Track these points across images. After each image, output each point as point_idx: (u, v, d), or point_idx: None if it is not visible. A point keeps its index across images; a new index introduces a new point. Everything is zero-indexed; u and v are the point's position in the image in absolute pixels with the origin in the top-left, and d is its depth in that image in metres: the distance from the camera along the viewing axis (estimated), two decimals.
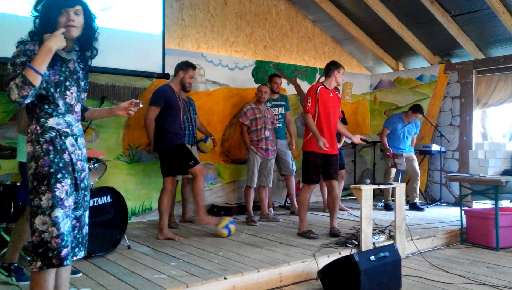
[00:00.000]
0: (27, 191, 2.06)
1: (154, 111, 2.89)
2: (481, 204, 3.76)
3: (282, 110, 4.12)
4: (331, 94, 3.15)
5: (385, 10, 4.57)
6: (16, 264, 2.15)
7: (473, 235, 3.35)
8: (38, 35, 1.48)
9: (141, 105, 1.63)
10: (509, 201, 3.83)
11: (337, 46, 5.39)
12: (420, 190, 4.91)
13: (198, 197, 2.97)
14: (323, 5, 4.76)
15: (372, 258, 2.25)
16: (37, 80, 1.39)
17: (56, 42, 1.43)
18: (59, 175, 1.45)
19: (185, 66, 2.99)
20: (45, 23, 1.48)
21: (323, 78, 5.01)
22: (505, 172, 3.40)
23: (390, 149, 4.36)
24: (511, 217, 3.28)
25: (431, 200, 4.84)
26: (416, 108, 4.37)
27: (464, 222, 3.42)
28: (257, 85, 4.00)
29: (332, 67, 3.16)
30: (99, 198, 2.60)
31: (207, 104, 4.17)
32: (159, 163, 3.05)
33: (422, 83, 5.12)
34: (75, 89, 1.55)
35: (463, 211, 3.45)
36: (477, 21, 4.29)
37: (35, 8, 1.51)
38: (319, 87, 3.10)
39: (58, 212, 1.43)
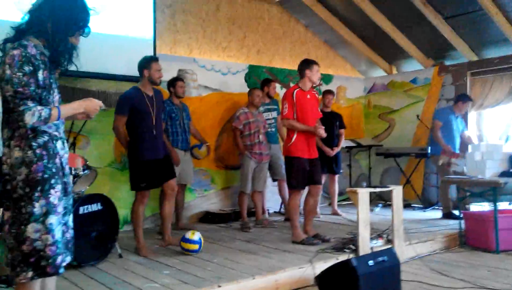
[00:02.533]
0: None
1: (120, 120, 2.67)
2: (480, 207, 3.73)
3: (274, 114, 4.09)
4: (308, 96, 3.03)
5: (378, 13, 4.59)
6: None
7: (473, 238, 3.30)
8: (32, 33, 1.43)
9: (103, 107, 1.57)
10: (508, 203, 3.79)
11: (330, 50, 5.40)
12: (417, 193, 4.89)
13: (166, 221, 2.86)
14: (315, 9, 4.77)
15: (371, 262, 2.19)
16: (51, 122, 1.43)
17: (90, 112, 1.50)
18: (53, 181, 1.42)
19: (145, 62, 2.69)
20: (57, 30, 1.44)
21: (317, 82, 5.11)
22: (503, 174, 3.35)
23: (450, 146, 3.81)
24: (510, 219, 3.23)
25: (428, 203, 4.80)
26: (465, 97, 4.00)
27: (463, 225, 3.37)
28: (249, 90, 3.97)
29: (303, 66, 3.00)
30: (90, 206, 2.52)
31: (200, 110, 4.12)
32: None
33: (416, 86, 5.13)
34: (57, 91, 1.52)
35: (461, 214, 3.40)
36: (471, 23, 4.31)
37: (40, 5, 1.45)
38: (295, 90, 2.99)
39: (52, 219, 1.40)
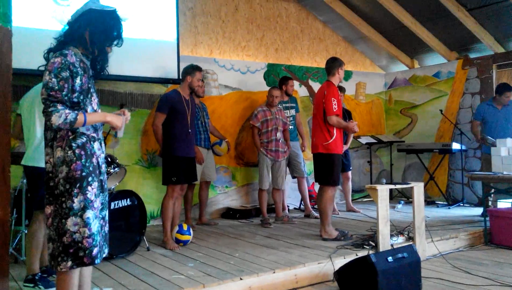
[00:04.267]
0: (37, 196, 2.14)
1: (160, 118, 2.89)
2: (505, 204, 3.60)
3: (293, 112, 4.13)
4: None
5: (398, 7, 4.50)
6: (39, 274, 2.19)
7: (498, 235, 3.21)
8: (71, 44, 1.56)
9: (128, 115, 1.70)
10: None
11: (349, 46, 5.34)
12: (440, 190, 4.77)
13: (176, 218, 2.95)
14: (333, 5, 4.74)
15: (390, 259, 2.20)
16: (77, 127, 1.53)
17: (116, 122, 1.62)
18: (90, 179, 1.53)
19: (191, 70, 2.95)
20: (94, 41, 1.57)
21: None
22: None
23: (484, 135, 3.68)
24: None
25: (453, 200, 4.68)
26: (502, 88, 3.79)
27: (488, 223, 3.29)
28: (269, 88, 4.03)
29: (334, 64, 3.02)
30: (120, 201, 2.68)
31: (220, 108, 4.24)
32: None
33: (439, 80, 4.98)
34: (96, 95, 1.65)
35: (486, 211, 3.32)
36: (495, 14, 4.14)
37: (78, 18, 1.58)
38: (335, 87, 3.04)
39: (89, 213, 1.50)
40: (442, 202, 4.73)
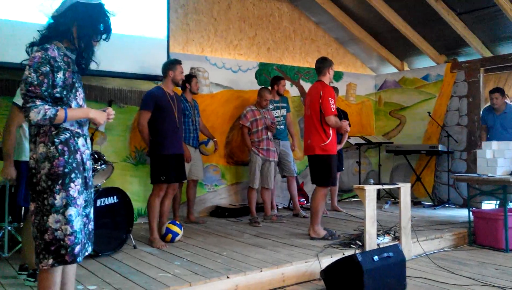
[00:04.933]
0: (25, 191, 2.11)
1: (145, 116, 2.83)
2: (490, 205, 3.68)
3: (284, 111, 4.14)
4: None
5: (389, 9, 4.56)
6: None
7: (482, 236, 3.28)
8: (56, 38, 1.52)
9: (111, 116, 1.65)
10: None
11: (340, 47, 5.38)
12: (427, 191, 4.86)
13: (165, 216, 2.93)
14: (325, 6, 4.77)
15: (376, 258, 2.23)
16: (57, 123, 1.49)
17: (99, 119, 1.58)
18: (73, 175, 1.50)
19: (171, 64, 2.91)
20: (81, 35, 1.53)
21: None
22: None
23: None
24: None
25: (438, 201, 4.76)
26: (491, 91, 3.91)
27: (472, 223, 3.36)
28: (260, 87, 4.03)
29: (325, 65, 3.01)
30: (106, 198, 2.65)
31: (210, 107, 4.22)
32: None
33: (428, 83, 5.07)
34: (82, 89, 1.62)
35: (471, 212, 3.39)
36: (484, 19, 4.23)
37: (64, 12, 1.54)
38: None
39: (72, 211, 1.48)
40: (428, 203, 4.82)
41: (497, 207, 3.77)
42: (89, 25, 1.55)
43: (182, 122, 3.51)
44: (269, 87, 4.04)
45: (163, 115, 2.84)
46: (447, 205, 4.61)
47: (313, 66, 4.87)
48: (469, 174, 3.76)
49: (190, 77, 3.62)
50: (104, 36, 1.61)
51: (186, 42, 4.21)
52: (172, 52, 3.85)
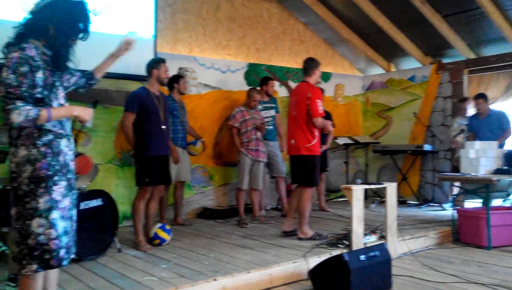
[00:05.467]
0: None
1: (129, 117, 2.77)
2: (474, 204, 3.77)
3: (272, 112, 4.14)
4: None
5: (376, 11, 4.61)
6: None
7: (465, 234, 3.35)
8: (32, 36, 1.47)
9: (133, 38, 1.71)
10: (502, 200, 3.84)
11: (329, 48, 5.42)
12: (412, 190, 4.94)
13: (151, 219, 2.89)
14: (314, 7, 4.80)
15: (362, 257, 2.25)
16: (41, 124, 1.45)
17: (84, 116, 1.55)
18: (56, 178, 1.47)
19: (156, 63, 2.85)
20: (58, 33, 1.48)
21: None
22: (497, 171, 3.40)
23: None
24: (502, 216, 3.28)
25: (423, 200, 4.85)
26: (475, 96, 4.07)
27: (456, 222, 3.42)
28: (248, 88, 4.01)
29: (311, 65, 3.00)
30: (90, 201, 2.59)
31: (199, 107, 4.18)
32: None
33: (414, 84, 5.16)
34: (62, 88, 1.58)
35: (455, 211, 3.46)
36: (468, 21, 4.32)
37: (43, 8, 1.49)
38: None
39: (55, 214, 1.45)
40: (413, 202, 4.90)
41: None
42: (67, 22, 1.51)
43: (169, 123, 3.47)
44: (258, 88, 4.03)
45: (148, 116, 2.79)
46: (431, 204, 4.70)
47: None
48: (453, 174, 3.84)
49: (177, 77, 3.58)
50: (81, 36, 1.56)
51: (174, 42, 4.17)
52: (160, 52, 3.80)
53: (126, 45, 1.77)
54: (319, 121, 2.93)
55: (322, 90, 4.20)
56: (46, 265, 1.44)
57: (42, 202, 1.43)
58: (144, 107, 2.79)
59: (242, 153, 3.71)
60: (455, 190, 3.70)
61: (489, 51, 4.61)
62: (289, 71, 4.91)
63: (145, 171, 2.78)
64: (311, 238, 2.98)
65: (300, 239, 3.00)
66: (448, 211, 4.08)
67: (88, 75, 1.74)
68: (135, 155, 2.85)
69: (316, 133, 2.98)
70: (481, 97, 4.09)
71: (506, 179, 3.43)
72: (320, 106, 2.93)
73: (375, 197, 5.01)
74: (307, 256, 2.57)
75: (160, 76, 2.86)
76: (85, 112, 1.55)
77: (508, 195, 3.72)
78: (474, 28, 4.40)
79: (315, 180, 3.01)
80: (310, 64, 3.03)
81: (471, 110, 4.36)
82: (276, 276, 2.41)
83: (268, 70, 4.71)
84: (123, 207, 3.58)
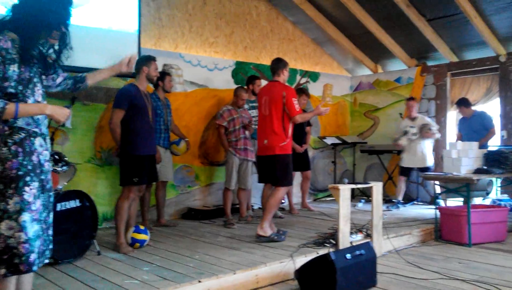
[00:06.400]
0: None
1: (118, 114, 2.69)
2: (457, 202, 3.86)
3: None
4: None
5: (364, 13, 4.66)
6: None
7: (447, 232, 3.42)
8: (7, 28, 1.42)
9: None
10: (482, 198, 3.95)
11: (317, 47, 5.44)
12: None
13: (132, 220, 2.82)
14: (303, 7, 4.80)
15: (348, 256, 2.25)
16: (7, 119, 1.38)
17: (58, 116, 1.45)
18: (28, 178, 1.41)
19: (146, 61, 2.78)
20: (29, 26, 1.41)
21: (303, 80, 5.17)
22: (478, 171, 3.50)
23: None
24: (482, 214, 3.37)
25: (408, 199, 4.94)
26: (457, 103, 4.34)
27: (439, 220, 3.49)
28: (236, 86, 3.96)
29: (280, 65, 2.98)
30: (68, 202, 2.48)
31: (185, 105, 4.10)
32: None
33: (400, 85, 5.24)
34: (41, 85, 1.51)
35: (437, 209, 3.53)
36: (451, 26, 4.43)
37: (22, 2, 1.44)
38: None
39: (26, 216, 1.39)
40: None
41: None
42: (37, 15, 1.44)
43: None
44: (245, 87, 3.99)
45: (137, 114, 2.72)
46: (416, 203, 4.79)
47: (290, 66, 4.89)
48: (436, 173, 3.92)
49: (163, 75, 3.49)
50: (58, 31, 1.50)
51: (159, 38, 4.07)
52: (144, 47, 3.71)
53: (128, 62, 1.73)
54: (297, 118, 2.93)
55: (306, 93, 4.25)
56: (15, 270, 1.38)
57: (12, 204, 1.37)
58: (134, 104, 2.71)
59: (230, 153, 3.66)
60: (438, 189, 3.78)
61: (471, 55, 4.74)
62: None
63: (133, 171, 2.70)
64: (269, 237, 2.91)
65: (259, 236, 2.90)
66: (431, 210, 4.17)
67: (79, 78, 1.68)
68: (122, 154, 2.76)
69: (290, 132, 2.97)
70: (460, 104, 4.32)
71: (485, 178, 3.53)
72: (296, 105, 2.92)
73: (362, 196, 5.06)
74: (294, 256, 2.55)
75: (150, 73, 2.80)
76: (59, 112, 1.47)
77: (488, 194, 3.83)
78: (457, 32, 4.51)
79: (291, 179, 3.01)
80: (279, 65, 3.01)
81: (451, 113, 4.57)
82: (263, 277, 2.38)
83: (257, 68, 4.67)
84: (103, 208, 3.47)
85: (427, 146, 4.41)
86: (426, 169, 4.34)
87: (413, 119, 4.47)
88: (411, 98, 4.55)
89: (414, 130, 4.38)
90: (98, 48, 3.34)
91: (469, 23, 4.22)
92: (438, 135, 4.40)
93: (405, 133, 4.42)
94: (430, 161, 4.40)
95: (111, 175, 3.59)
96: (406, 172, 4.49)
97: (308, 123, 4.35)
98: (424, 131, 4.33)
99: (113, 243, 2.83)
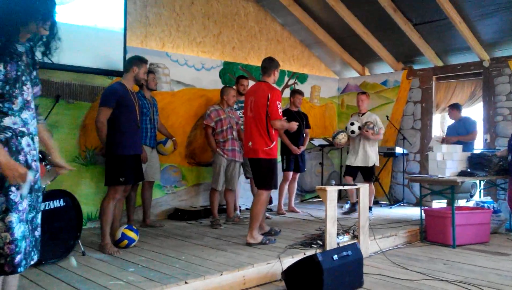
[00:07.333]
0: None
1: (105, 113, 2.62)
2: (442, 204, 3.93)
3: None
4: None
5: (351, 16, 4.71)
6: None
7: (432, 233, 3.48)
8: None
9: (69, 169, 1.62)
10: (465, 200, 4.04)
11: (305, 49, 5.48)
12: (384, 191, 5.09)
13: (117, 221, 2.77)
14: (291, 9, 4.82)
15: (335, 257, 2.26)
16: None
17: (8, 174, 1.28)
18: None
19: (139, 61, 2.73)
20: (7, 21, 1.36)
21: (291, 81, 5.19)
22: (462, 173, 3.58)
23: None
24: (466, 215, 3.44)
25: (394, 200, 5.01)
26: (449, 106, 4.31)
27: (424, 221, 3.55)
28: (222, 87, 3.93)
29: (271, 65, 2.86)
30: (51, 202, 2.41)
31: (171, 105, 4.04)
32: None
33: (387, 88, 5.33)
34: (30, 84, 1.46)
35: (422, 211, 3.58)
36: (437, 30, 4.53)
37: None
38: None
39: (13, 217, 1.35)
40: (385, 202, 5.05)
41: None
42: (19, 12, 1.38)
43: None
44: (234, 87, 3.97)
45: (125, 113, 2.66)
46: (402, 204, 4.86)
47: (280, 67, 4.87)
48: (421, 175, 3.99)
49: (147, 73, 3.43)
50: (42, 24, 1.43)
51: (145, 36, 4.00)
52: (130, 46, 3.63)
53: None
54: (277, 123, 2.82)
55: (300, 92, 4.23)
56: (0, 271, 1.33)
57: None
58: (122, 103, 2.65)
59: (217, 154, 3.62)
60: (423, 191, 3.84)
61: (456, 59, 4.86)
62: None
63: (119, 170, 2.64)
64: (261, 243, 2.86)
65: (249, 244, 2.82)
66: (417, 211, 4.25)
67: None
68: (107, 153, 2.69)
69: (275, 136, 2.87)
70: (454, 108, 4.33)
71: (469, 181, 3.61)
72: (280, 109, 2.81)
73: (348, 198, 5.10)
74: (281, 257, 2.54)
75: (138, 74, 2.75)
76: (12, 170, 1.29)
77: (471, 196, 3.92)
78: (442, 37, 4.61)
79: (274, 183, 2.90)
80: (271, 65, 2.89)
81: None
82: (250, 278, 2.36)
83: (244, 69, 4.66)
84: (87, 208, 3.37)
85: (371, 145, 4.02)
86: (369, 169, 4.02)
87: (362, 115, 4.15)
88: (363, 92, 4.25)
89: (354, 127, 3.98)
90: (83, 46, 3.25)
91: (454, 29, 4.33)
92: (378, 137, 4.03)
93: (345, 129, 4.08)
94: (373, 162, 4.03)
95: (95, 175, 3.50)
96: (350, 171, 4.10)
97: (307, 125, 4.35)
98: (363, 129, 3.96)
99: (97, 243, 2.76)
